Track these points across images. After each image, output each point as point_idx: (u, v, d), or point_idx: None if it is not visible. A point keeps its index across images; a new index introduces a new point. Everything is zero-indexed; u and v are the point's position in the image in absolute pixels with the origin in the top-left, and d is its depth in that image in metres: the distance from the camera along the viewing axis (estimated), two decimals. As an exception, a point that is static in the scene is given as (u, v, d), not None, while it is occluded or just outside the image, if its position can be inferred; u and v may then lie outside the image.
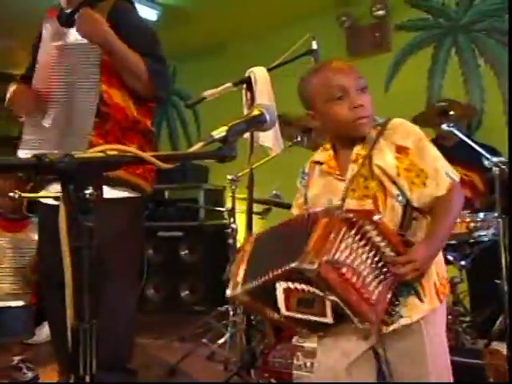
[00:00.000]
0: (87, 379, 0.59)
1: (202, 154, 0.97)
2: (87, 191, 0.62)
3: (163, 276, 3.86)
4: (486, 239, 2.26)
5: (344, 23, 3.78)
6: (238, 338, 2.40)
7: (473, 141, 2.55)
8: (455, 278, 2.34)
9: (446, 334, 2.23)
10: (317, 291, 1.00)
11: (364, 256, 1.02)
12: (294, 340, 1.88)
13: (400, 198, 1.12)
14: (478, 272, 2.51)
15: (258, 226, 3.14)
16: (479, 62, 3.38)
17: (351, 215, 1.01)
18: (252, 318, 2.58)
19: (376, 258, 1.04)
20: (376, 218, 1.02)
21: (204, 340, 2.56)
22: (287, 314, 1.05)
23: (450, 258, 2.33)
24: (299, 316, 1.04)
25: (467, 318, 2.49)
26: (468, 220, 2.27)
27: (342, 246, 1.00)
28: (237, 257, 1.16)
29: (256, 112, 1.04)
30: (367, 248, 1.03)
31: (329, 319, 1.02)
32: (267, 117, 1.04)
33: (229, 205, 2.85)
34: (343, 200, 1.13)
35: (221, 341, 2.61)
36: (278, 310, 1.05)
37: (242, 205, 2.79)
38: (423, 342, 1.13)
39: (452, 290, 2.34)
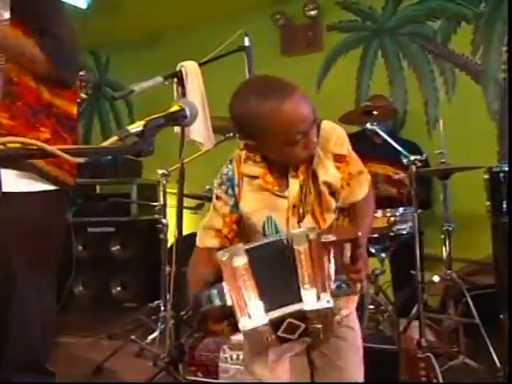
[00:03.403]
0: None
1: (117, 148, 0.95)
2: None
3: (93, 272, 3.74)
4: (405, 232, 2.41)
5: (278, 21, 3.83)
6: (168, 334, 2.40)
7: (398, 138, 2.68)
8: (376, 269, 2.47)
9: (368, 323, 2.35)
10: (299, 322, 1.00)
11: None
12: (222, 333, 1.90)
13: (335, 208, 1.13)
14: (398, 263, 2.67)
15: (190, 221, 3.13)
16: (403, 65, 3.56)
17: (334, 239, 1.00)
18: (182, 313, 2.58)
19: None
20: (359, 234, 1.02)
21: (132, 337, 2.52)
22: (281, 334, 1.01)
23: (372, 250, 2.45)
24: (284, 336, 1.02)
25: (389, 308, 2.64)
26: (388, 214, 2.41)
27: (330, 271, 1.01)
28: (225, 277, 1.01)
29: (175, 107, 1.04)
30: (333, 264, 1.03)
31: (294, 337, 1.02)
32: (187, 112, 1.04)
33: (161, 200, 2.81)
34: (287, 219, 1.11)
35: (151, 337, 2.59)
36: (276, 331, 1.01)
37: (174, 200, 2.76)
38: (353, 339, 1.19)
39: (374, 282, 2.47)
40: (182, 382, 1.91)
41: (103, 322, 3.14)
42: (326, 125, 1.12)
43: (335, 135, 1.12)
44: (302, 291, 0.98)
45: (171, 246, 2.64)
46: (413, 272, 2.10)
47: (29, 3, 1.50)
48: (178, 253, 2.13)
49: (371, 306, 2.43)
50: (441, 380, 1.69)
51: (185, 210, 2.24)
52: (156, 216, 2.77)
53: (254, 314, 0.98)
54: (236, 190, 1.16)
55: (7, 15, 1.48)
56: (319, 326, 1.00)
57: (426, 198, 3.01)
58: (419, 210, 2.17)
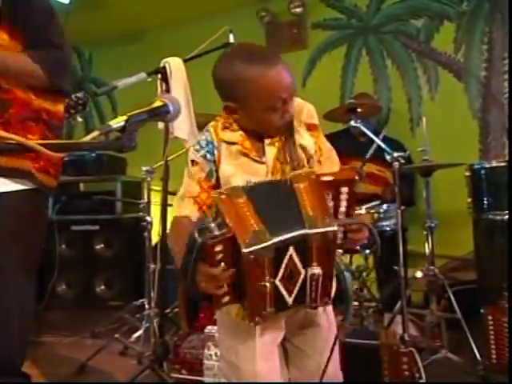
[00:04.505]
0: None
1: (98, 143, 0.94)
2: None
3: (77, 271, 3.70)
4: (388, 229, 2.43)
5: (264, 18, 3.84)
6: (152, 332, 2.39)
7: (383, 135, 2.68)
8: (360, 266, 2.49)
9: (352, 319, 2.37)
10: (299, 264, 0.98)
11: None
12: (207, 330, 1.90)
13: None
14: (382, 260, 2.69)
15: (175, 218, 3.11)
16: (386, 63, 3.59)
17: (331, 178, 1.03)
18: (168, 310, 2.57)
19: None
20: (357, 177, 1.04)
21: (116, 335, 2.50)
22: (278, 283, 0.98)
23: (356, 247, 2.46)
24: (281, 289, 0.99)
25: (372, 304, 2.67)
26: (373, 211, 2.43)
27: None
28: (224, 210, 0.96)
29: (158, 103, 1.03)
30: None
31: (290, 299, 1.00)
32: (170, 107, 1.04)
33: (146, 197, 2.79)
34: None
35: (135, 335, 2.57)
36: (274, 276, 0.97)
37: (159, 197, 2.74)
38: (330, 329, 1.18)
39: (357, 277, 2.50)
40: (167, 380, 1.91)
41: (87, 320, 3.11)
42: (298, 100, 1.18)
43: (306, 108, 1.19)
44: (305, 217, 0.98)
45: (156, 244, 2.63)
46: (396, 268, 2.12)
47: (19, 5, 1.49)
48: (163, 250, 2.12)
49: (355, 302, 2.45)
50: (423, 374, 1.71)
51: (169, 208, 2.23)
52: (140, 214, 2.75)
53: (257, 237, 0.94)
54: (216, 153, 1.15)
55: None
56: (318, 269, 0.98)
57: (409, 196, 3.05)
58: (402, 207, 2.19)
